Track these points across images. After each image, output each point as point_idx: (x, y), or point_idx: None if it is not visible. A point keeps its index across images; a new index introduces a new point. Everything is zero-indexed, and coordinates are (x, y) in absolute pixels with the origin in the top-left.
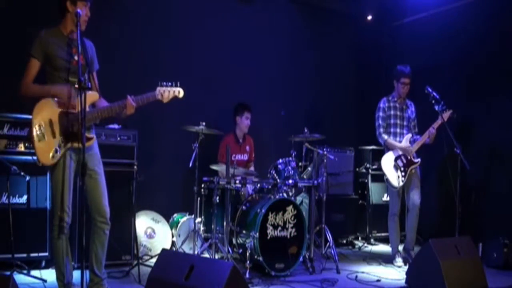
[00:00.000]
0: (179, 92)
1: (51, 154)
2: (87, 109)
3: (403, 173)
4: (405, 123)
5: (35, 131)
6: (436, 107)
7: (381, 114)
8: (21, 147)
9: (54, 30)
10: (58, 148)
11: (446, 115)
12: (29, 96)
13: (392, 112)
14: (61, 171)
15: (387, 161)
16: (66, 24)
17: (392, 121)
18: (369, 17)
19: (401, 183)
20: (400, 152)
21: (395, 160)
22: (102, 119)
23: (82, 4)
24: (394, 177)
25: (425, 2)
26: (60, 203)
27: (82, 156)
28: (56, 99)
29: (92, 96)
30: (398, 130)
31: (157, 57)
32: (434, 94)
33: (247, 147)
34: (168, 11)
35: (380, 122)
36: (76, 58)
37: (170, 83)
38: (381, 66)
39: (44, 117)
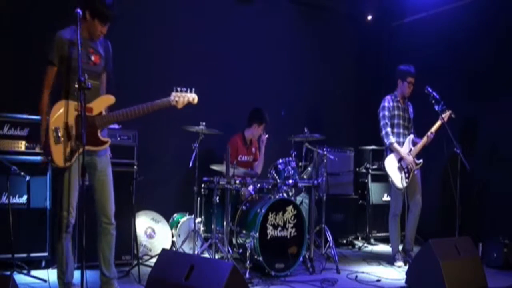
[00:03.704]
0: (194, 98)
1: (66, 157)
2: (103, 112)
3: (406, 174)
4: (406, 123)
5: (52, 133)
6: (436, 107)
7: (386, 113)
8: (21, 147)
9: (71, 30)
10: (73, 151)
11: (446, 115)
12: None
13: (396, 112)
14: (69, 172)
15: (391, 163)
16: (83, 28)
17: (396, 121)
18: (369, 17)
19: (405, 184)
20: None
21: (399, 161)
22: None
23: (99, 23)
24: (398, 179)
25: (425, 2)
26: (66, 203)
27: (83, 158)
28: (73, 101)
29: (108, 99)
30: (401, 130)
31: (155, 56)
32: (434, 94)
33: (253, 149)
34: (166, 11)
35: (387, 121)
36: (93, 59)
37: (184, 89)
38: (381, 66)
39: (61, 120)
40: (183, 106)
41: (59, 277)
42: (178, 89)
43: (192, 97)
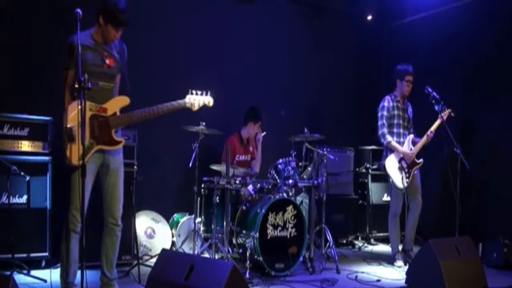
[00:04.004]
0: (209, 101)
1: (80, 156)
2: (118, 113)
3: (407, 174)
4: (406, 123)
5: (66, 133)
6: (436, 107)
7: (385, 113)
8: (22, 147)
9: (85, 34)
10: (87, 150)
11: (445, 114)
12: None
13: (395, 112)
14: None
15: (392, 163)
16: (98, 33)
17: (395, 121)
18: (369, 17)
19: (405, 184)
20: (401, 155)
21: (399, 161)
22: (131, 124)
23: (112, 27)
24: (399, 179)
25: (425, 2)
26: (78, 202)
27: (83, 158)
28: (88, 101)
29: (122, 100)
30: (401, 130)
31: (155, 57)
32: (434, 94)
33: (251, 148)
34: (166, 11)
35: (384, 121)
36: (107, 62)
37: (200, 92)
38: (381, 66)
39: (75, 120)
40: (198, 108)
41: (61, 275)
42: (193, 91)
43: (207, 100)
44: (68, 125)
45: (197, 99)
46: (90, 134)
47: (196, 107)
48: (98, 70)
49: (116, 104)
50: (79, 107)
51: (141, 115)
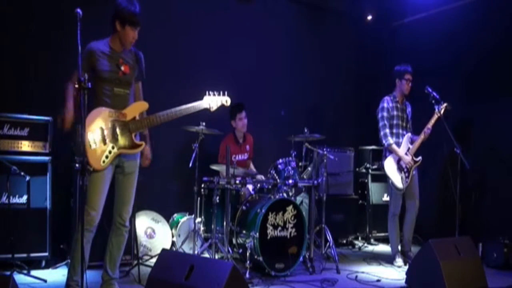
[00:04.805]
0: (227, 101)
1: (102, 160)
2: (137, 117)
3: (406, 174)
4: (405, 123)
5: (88, 138)
6: (436, 108)
7: (385, 114)
8: (22, 147)
9: (103, 42)
10: (108, 154)
11: (442, 108)
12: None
13: (395, 113)
14: (101, 173)
15: (390, 164)
16: (115, 40)
17: (394, 121)
18: (369, 17)
19: (405, 184)
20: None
21: (398, 162)
22: (150, 127)
23: (130, 28)
24: (399, 179)
25: (425, 2)
26: (95, 202)
27: (83, 158)
28: (108, 108)
29: (141, 105)
30: (400, 130)
31: (155, 57)
32: (434, 94)
33: (247, 147)
34: (166, 10)
35: (385, 122)
36: (122, 69)
37: (218, 92)
38: (381, 66)
39: (96, 125)
40: (216, 108)
41: (69, 272)
42: (211, 93)
43: (225, 99)
44: (89, 132)
45: (215, 100)
46: (110, 139)
47: (214, 108)
48: (113, 76)
49: (135, 109)
50: (82, 107)
51: (160, 118)
